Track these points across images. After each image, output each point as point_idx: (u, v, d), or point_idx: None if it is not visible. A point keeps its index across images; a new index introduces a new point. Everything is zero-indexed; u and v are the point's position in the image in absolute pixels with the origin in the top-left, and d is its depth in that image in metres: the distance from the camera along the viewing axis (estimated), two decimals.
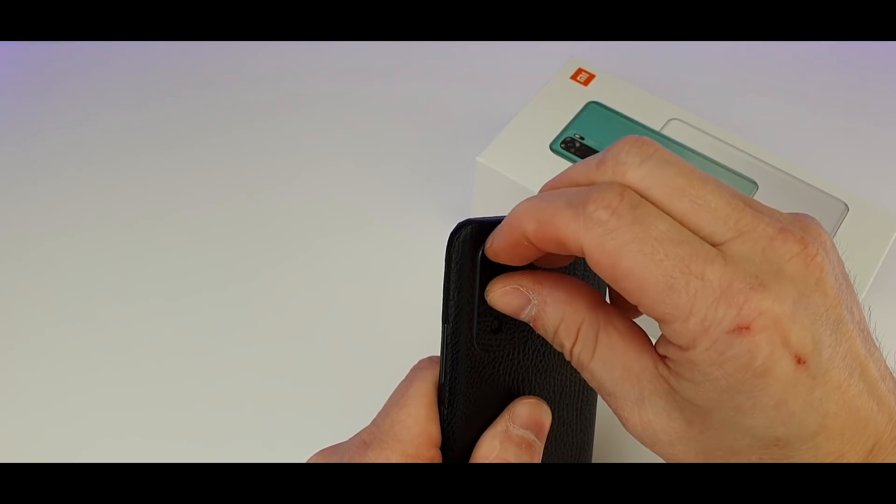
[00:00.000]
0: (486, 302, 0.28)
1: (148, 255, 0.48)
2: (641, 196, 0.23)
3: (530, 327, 0.29)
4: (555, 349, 0.30)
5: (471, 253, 0.27)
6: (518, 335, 0.30)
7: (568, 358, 0.26)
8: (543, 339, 0.30)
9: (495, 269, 0.28)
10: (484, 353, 0.29)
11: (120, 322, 0.46)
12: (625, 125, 0.47)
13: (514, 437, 0.28)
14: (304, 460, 0.30)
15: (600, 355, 0.25)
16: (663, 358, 0.24)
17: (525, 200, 0.25)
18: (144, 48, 0.59)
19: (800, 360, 0.22)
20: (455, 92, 0.57)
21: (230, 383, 0.43)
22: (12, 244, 0.49)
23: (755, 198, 0.44)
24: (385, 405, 0.28)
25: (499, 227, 0.26)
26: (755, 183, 0.44)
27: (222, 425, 0.42)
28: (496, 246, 0.26)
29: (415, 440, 0.27)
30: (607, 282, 0.24)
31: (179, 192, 0.51)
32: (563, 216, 0.23)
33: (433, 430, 0.27)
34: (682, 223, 0.23)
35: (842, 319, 0.23)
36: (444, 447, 0.28)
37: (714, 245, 0.23)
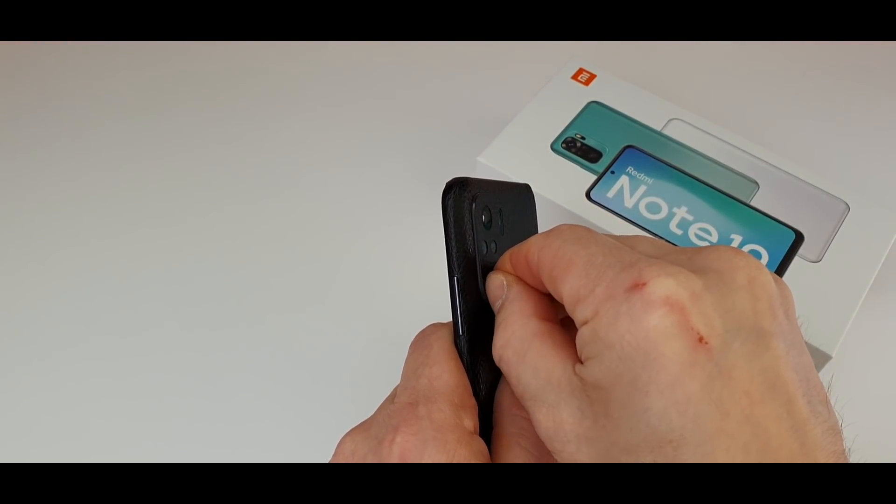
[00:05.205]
0: (486, 252, 0.29)
1: (148, 256, 0.48)
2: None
3: None
4: None
5: (466, 206, 0.28)
6: None
7: (496, 357, 0.27)
8: None
9: (486, 225, 0.29)
10: None
11: (122, 321, 0.46)
12: (626, 125, 0.47)
13: None
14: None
15: (532, 361, 0.26)
16: (580, 356, 0.24)
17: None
18: (144, 48, 0.59)
19: (700, 339, 0.21)
20: (455, 92, 0.57)
21: (231, 383, 0.43)
22: (12, 246, 0.49)
23: (756, 197, 0.44)
24: (407, 372, 0.28)
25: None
26: (756, 183, 0.44)
27: (225, 426, 0.42)
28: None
29: (458, 390, 0.27)
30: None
31: (179, 193, 0.51)
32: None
33: (467, 380, 0.28)
34: None
35: (766, 334, 0.22)
36: (474, 393, 0.29)
37: None
